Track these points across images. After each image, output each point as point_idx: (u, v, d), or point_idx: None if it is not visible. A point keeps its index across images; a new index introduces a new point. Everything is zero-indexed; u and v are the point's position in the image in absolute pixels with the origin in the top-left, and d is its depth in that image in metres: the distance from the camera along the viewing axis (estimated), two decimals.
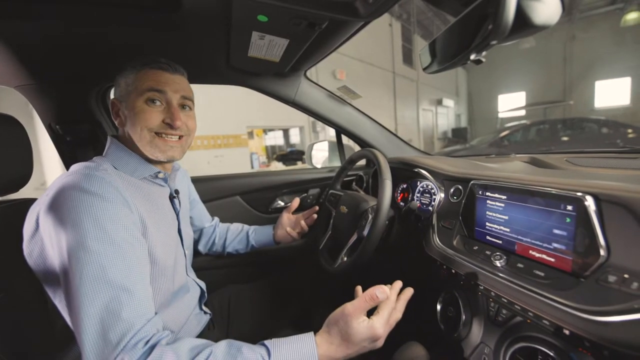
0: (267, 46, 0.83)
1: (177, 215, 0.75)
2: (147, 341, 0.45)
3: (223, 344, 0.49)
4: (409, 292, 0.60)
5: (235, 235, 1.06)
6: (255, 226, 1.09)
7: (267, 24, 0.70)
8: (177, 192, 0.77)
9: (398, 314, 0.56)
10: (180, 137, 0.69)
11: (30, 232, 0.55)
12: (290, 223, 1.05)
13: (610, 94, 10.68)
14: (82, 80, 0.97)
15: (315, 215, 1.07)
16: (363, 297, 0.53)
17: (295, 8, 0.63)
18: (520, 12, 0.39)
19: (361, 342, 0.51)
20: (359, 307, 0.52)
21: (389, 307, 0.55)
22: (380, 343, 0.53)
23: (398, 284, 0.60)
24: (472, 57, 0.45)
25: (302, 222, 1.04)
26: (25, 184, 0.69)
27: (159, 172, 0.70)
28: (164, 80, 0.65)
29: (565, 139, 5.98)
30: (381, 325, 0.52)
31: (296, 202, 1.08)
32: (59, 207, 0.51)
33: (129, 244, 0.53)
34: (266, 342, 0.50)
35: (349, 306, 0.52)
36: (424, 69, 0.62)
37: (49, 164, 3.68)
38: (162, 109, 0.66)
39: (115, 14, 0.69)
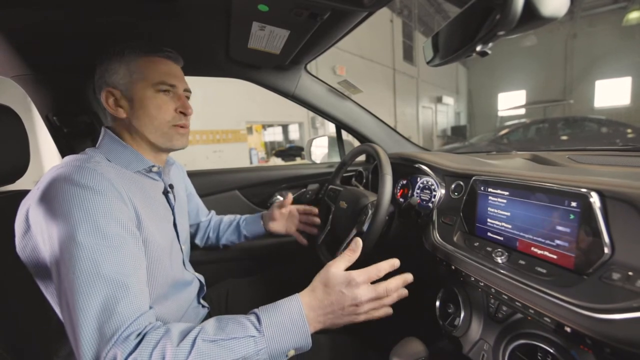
0: (267, 37, 0.81)
1: (173, 209, 0.74)
2: (139, 333, 0.45)
3: (211, 319, 0.50)
4: (408, 277, 0.60)
5: (227, 226, 1.04)
6: (247, 215, 1.06)
7: (268, 14, 0.69)
8: (171, 186, 0.76)
9: (392, 285, 0.57)
10: (185, 125, 0.71)
11: (22, 227, 0.54)
12: (282, 219, 1.03)
13: (610, 93, 10.67)
14: (79, 70, 0.95)
15: (317, 220, 1.04)
16: (345, 251, 0.59)
17: None
18: (529, 2, 0.39)
19: (337, 285, 0.52)
20: (339, 258, 0.57)
21: (375, 268, 0.56)
22: (358, 293, 0.53)
23: (395, 261, 0.60)
24: (478, 48, 0.44)
25: (296, 231, 1.03)
26: (21, 176, 0.68)
27: (153, 166, 0.69)
28: (173, 73, 0.68)
29: (564, 137, 5.99)
30: (359, 275, 0.54)
31: (290, 198, 1.03)
32: (50, 201, 0.49)
33: (122, 238, 0.52)
34: (253, 310, 0.52)
35: (330, 262, 0.57)
36: (428, 62, 0.61)
37: (48, 157, 3.65)
38: (171, 97, 0.68)
39: (114, 2, 0.68)
